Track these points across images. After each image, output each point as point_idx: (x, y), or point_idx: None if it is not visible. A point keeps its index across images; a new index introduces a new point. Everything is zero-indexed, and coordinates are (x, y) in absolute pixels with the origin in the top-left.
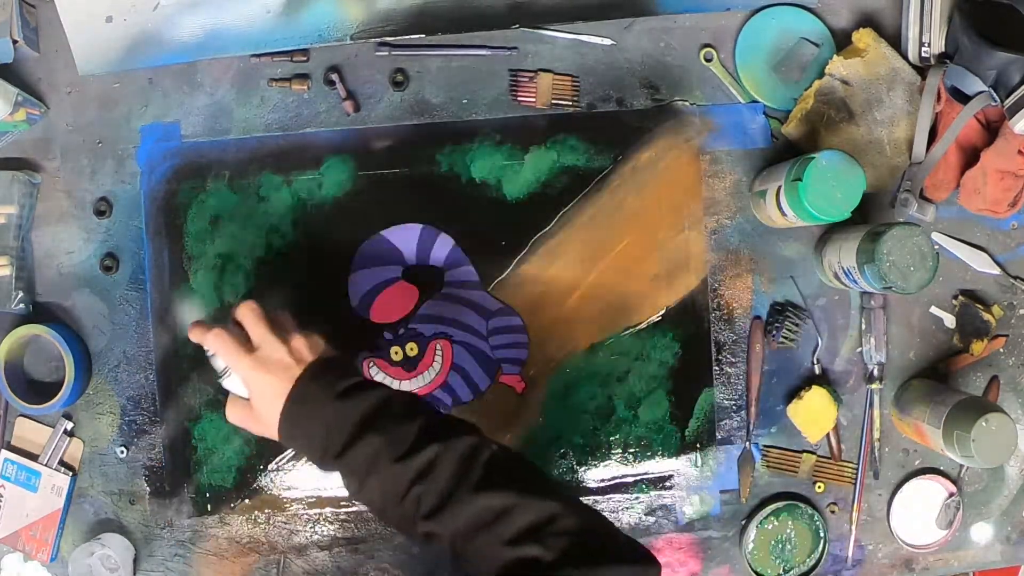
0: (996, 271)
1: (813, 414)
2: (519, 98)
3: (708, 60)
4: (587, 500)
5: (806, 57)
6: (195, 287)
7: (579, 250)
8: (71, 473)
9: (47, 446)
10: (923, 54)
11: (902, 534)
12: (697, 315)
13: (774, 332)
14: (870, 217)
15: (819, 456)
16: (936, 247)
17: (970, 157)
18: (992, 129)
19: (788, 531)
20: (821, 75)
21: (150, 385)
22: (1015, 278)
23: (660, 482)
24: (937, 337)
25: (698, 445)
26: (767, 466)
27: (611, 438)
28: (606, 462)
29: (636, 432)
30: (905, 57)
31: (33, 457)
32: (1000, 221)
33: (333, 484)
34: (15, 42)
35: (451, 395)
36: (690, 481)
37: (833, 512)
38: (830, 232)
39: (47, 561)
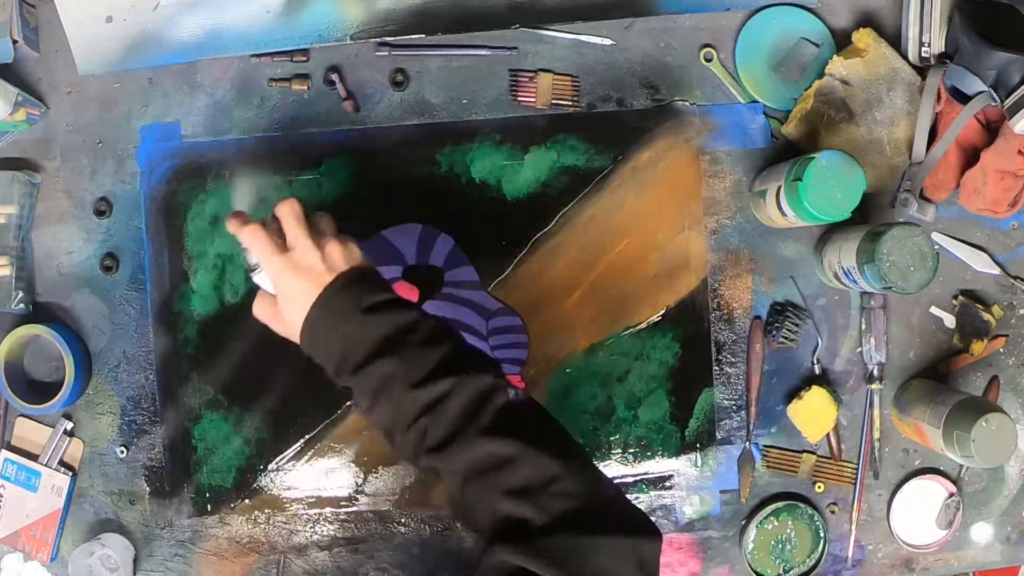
0: (996, 271)
1: (813, 414)
2: (519, 98)
3: (708, 60)
4: None
5: (806, 57)
6: (195, 287)
7: (579, 250)
8: (71, 473)
9: (47, 446)
10: (923, 54)
11: (902, 534)
12: (697, 315)
13: (774, 332)
14: (870, 217)
15: (819, 456)
16: (936, 247)
17: (970, 157)
18: (992, 129)
19: (788, 531)
20: (821, 75)
21: (150, 385)
22: (1015, 278)
23: (660, 482)
24: (937, 337)
25: (698, 445)
26: (767, 466)
27: (611, 438)
28: (606, 462)
29: (636, 432)
30: (905, 57)
31: (33, 457)
32: (1000, 221)
33: (333, 484)
34: (15, 42)
35: None
36: (690, 481)
37: (833, 512)
38: (830, 232)
39: (47, 561)
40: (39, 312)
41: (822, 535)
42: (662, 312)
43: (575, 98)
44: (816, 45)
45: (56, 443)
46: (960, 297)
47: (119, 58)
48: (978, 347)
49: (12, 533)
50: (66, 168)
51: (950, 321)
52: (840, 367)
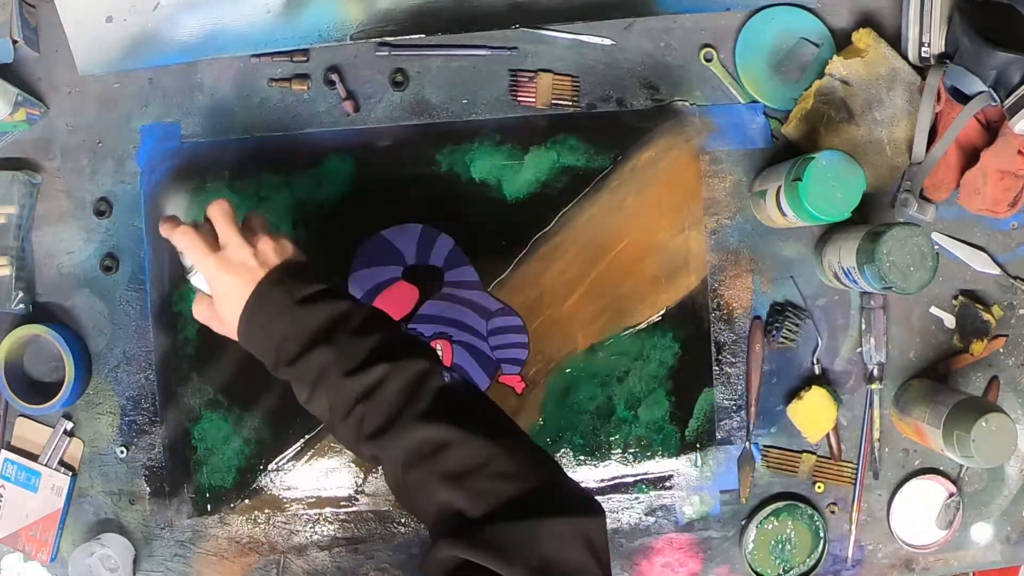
0: (996, 271)
1: (813, 414)
2: (519, 98)
3: (708, 60)
4: None
5: (806, 57)
6: (195, 287)
7: (579, 250)
8: (71, 473)
9: (47, 446)
10: (923, 54)
11: (902, 534)
12: (697, 315)
13: (774, 332)
14: (870, 217)
15: (819, 456)
16: (936, 247)
17: (970, 157)
18: (992, 129)
19: (788, 531)
20: (821, 75)
21: (150, 385)
22: (1015, 278)
23: (660, 482)
24: (937, 337)
25: (698, 445)
26: (767, 466)
27: (611, 438)
28: (606, 462)
29: (636, 432)
30: (905, 57)
31: (33, 457)
32: (1000, 221)
33: (333, 484)
34: (15, 42)
35: None
36: (690, 481)
37: (833, 512)
38: (830, 232)
39: (47, 561)
40: (39, 312)
41: (822, 535)
42: (662, 312)
43: (575, 98)
44: (816, 45)
45: (56, 443)
46: (960, 297)
47: (119, 58)
48: (978, 347)
49: (12, 533)
50: (66, 168)
51: (950, 321)
52: (840, 367)
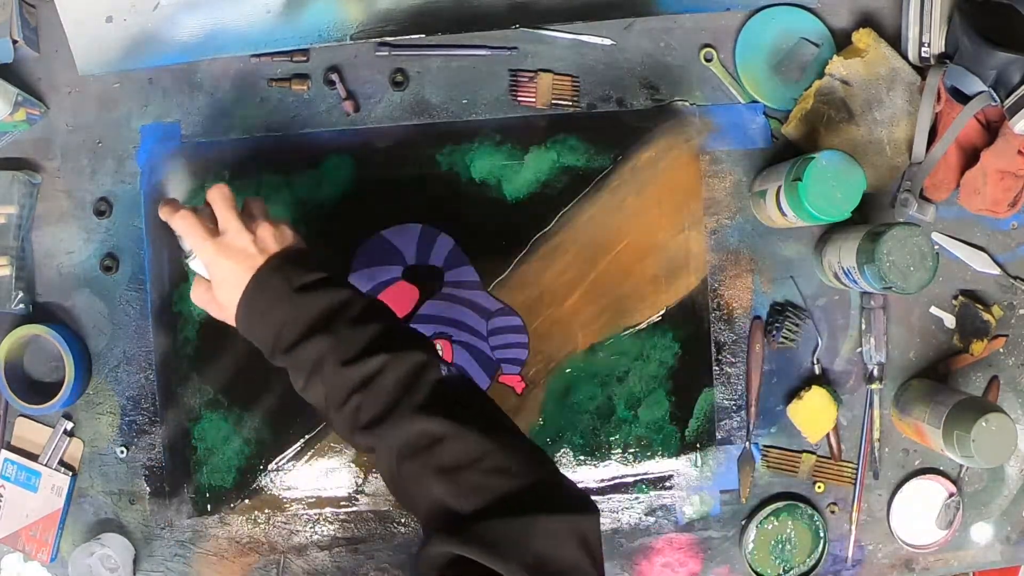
0: (996, 271)
1: (813, 414)
2: (519, 98)
3: (708, 60)
4: None
5: (806, 57)
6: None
7: (579, 250)
8: (71, 473)
9: (47, 446)
10: (923, 54)
11: (902, 534)
12: (697, 315)
13: (774, 332)
14: (870, 217)
15: (819, 456)
16: (936, 247)
17: (970, 157)
18: (992, 129)
19: (788, 531)
20: (821, 75)
21: (150, 385)
22: (1015, 278)
23: (660, 482)
24: (937, 337)
25: (698, 445)
26: (767, 466)
27: (611, 438)
28: (606, 462)
29: (636, 432)
30: (905, 57)
31: (33, 457)
32: (1000, 221)
33: (333, 484)
34: (15, 42)
35: None
36: (690, 481)
37: (833, 512)
38: (830, 232)
39: (47, 561)
40: (39, 312)
41: (822, 535)
42: (662, 312)
43: (575, 98)
44: (816, 45)
45: (56, 443)
46: (960, 297)
47: (119, 58)
48: (978, 347)
49: (12, 533)
50: (66, 168)
51: (950, 321)
52: (840, 367)
